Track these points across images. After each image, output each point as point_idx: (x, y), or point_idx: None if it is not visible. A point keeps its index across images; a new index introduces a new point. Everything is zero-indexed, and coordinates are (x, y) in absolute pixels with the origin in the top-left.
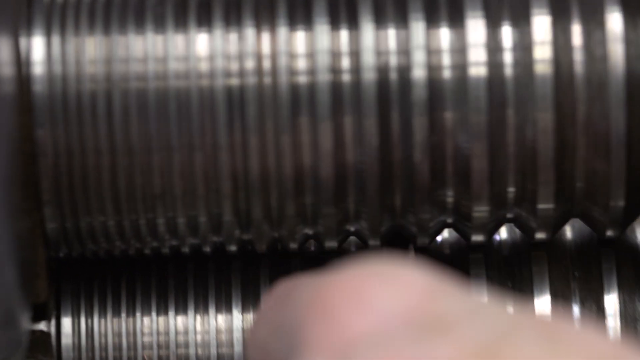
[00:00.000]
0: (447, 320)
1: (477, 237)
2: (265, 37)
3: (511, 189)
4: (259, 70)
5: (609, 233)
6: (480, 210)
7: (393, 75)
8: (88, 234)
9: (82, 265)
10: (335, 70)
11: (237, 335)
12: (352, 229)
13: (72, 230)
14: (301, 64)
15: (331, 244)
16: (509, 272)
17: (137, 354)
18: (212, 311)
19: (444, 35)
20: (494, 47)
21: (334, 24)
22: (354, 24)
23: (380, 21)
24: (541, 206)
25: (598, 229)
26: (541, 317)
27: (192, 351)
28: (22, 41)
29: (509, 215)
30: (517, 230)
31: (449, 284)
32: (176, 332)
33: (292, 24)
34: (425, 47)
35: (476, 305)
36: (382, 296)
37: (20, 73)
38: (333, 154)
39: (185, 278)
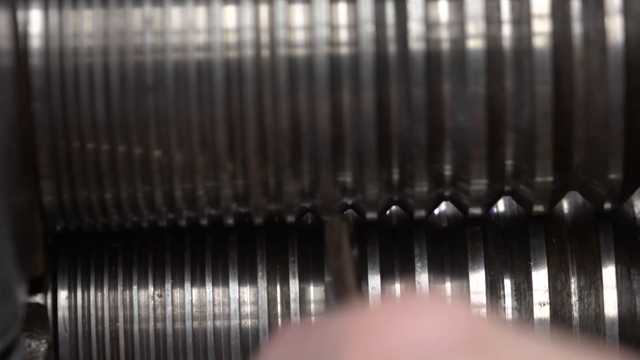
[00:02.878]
0: (494, 350)
1: (475, 210)
2: (264, 10)
3: (509, 162)
4: (257, 43)
5: (607, 206)
6: (478, 183)
7: (391, 48)
8: (85, 207)
9: (79, 238)
10: (333, 42)
11: (234, 308)
12: (349, 202)
13: (69, 204)
14: (299, 36)
15: (328, 217)
16: (507, 245)
17: (133, 327)
18: (208, 284)
19: (442, 7)
20: (492, 19)
21: None
22: None
23: None
24: (539, 179)
25: (596, 202)
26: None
27: (188, 324)
28: (20, 14)
29: (507, 188)
30: (515, 203)
31: (491, 324)
32: (172, 305)
33: None
34: (423, 20)
35: (523, 345)
36: (427, 320)
37: (18, 46)
38: (330, 127)
39: (182, 251)
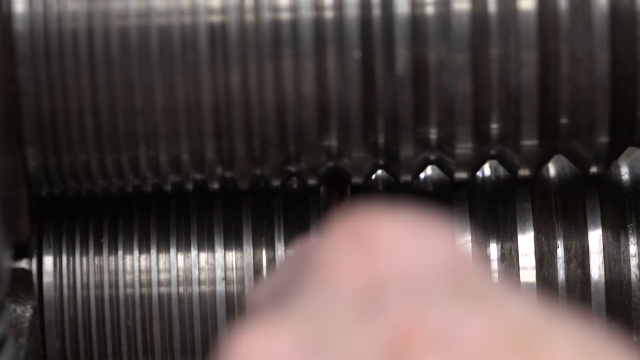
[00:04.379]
0: (481, 293)
1: (461, 174)
2: None
3: (495, 126)
4: (241, 7)
5: (593, 170)
6: (464, 147)
7: (376, 12)
8: (70, 172)
9: (64, 203)
10: (317, 6)
11: (219, 273)
12: (335, 166)
13: (54, 169)
14: (283, 0)
15: (313, 181)
16: (493, 209)
17: (118, 292)
18: (194, 249)
19: None
20: None
21: None
22: None
23: None
24: (525, 143)
25: (582, 165)
26: (569, 319)
27: (173, 289)
28: None
29: (493, 152)
30: (501, 167)
31: (473, 260)
32: (158, 270)
33: None
34: None
35: (501, 290)
36: (417, 247)
37: (1, 11)
38: (315, 92)
39: (168, 216)
